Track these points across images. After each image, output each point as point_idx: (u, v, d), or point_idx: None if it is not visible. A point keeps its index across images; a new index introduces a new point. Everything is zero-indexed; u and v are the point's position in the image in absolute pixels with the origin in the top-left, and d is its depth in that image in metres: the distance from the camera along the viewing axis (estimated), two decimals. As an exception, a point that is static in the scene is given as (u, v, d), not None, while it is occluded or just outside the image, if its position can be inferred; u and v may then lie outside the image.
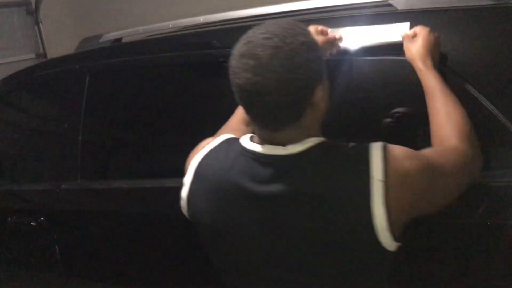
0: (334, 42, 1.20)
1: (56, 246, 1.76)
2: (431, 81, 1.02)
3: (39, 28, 4.57)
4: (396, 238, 0.84)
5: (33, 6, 4.44)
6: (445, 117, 0.98)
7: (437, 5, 1.23)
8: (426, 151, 0.91)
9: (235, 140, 0.96)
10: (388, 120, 1.15)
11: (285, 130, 0.86)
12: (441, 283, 1.11)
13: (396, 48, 1.14)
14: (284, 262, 0.88)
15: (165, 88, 1.62)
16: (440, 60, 1.09)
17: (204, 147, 1.00)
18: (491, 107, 1.05)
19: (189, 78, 1.57)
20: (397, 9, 1.27)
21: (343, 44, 1.21)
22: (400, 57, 1.14)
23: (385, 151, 0.83)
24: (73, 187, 1.73)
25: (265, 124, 0.87)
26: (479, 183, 1.05)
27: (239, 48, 0.83)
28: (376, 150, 0.84)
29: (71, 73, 1.80)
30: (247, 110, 0.87)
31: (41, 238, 1.79)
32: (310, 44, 0.83)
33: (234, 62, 0.83)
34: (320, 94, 0.85)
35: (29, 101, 2.04)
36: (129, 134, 1.77)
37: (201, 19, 1.78)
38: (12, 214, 1.86)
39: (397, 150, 0.85)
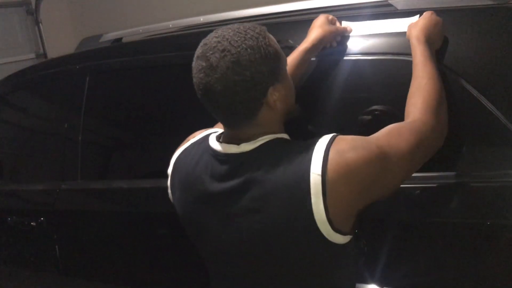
0: (338, 34, 1.24)
1: (56, 246, 1.76)
2: (417, 54, 1.04)
3: (39, 28, 4.58)
4: (343, 230, 0.86)
5: (33, 6, 4.44)
6: (416, 88, 1.00)
7: (437, 5, 1.23)
8: (379, 135, 0.91)
9: (210, 135, 1.00)
10: (367, 117, 1.16)
11: (242, 128, 0.91)
12: (441, 284, 1.11)
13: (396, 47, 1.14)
14: (240, 254, 0.93)
15: (165, 88, 1.62)
16: (442, 43, 1.10)
17: (189, 140, 1.06)
18: (491, 107, 1.05)
19: (189, 78, 1.57)
20: (397, 9, 1.27)
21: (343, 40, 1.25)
22: (399, 57, 1.15)
23: (330, 143, 0.85)
24: (73, 187, 1.73)
25: (222, 121, 0.94)
26: (479, 183, 1.05)
27: (197, 49, 0.89)
28: (321, 143, 0.86)
29: (71, 73, 1.80)
30: (206, 107, 0.92)
31: (41, 238, 1.79)
32: (260, 48, 0.86)
33: (193, 62, 0.90)
34: (276, 95, 0.90)
35: (29, 101, 2.04)
36: (129, 134, 1.77)
37: (201, 19, 1.78)
38: (12, 214, 1.86)
39: (344, 142, 0.86)
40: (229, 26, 0.90)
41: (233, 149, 0.91)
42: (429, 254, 1.12)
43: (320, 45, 1.22)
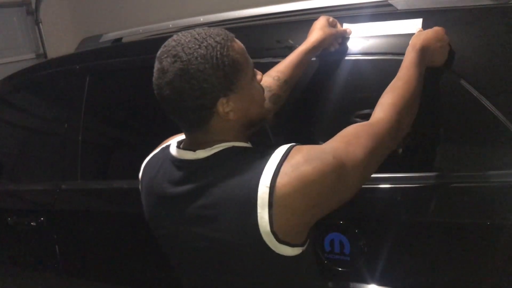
0: (338, 36, 1.24)
1: (56, 246, 1.76)
2: (405, 60, 1.05)
3: (39, 28, 4.57)
4: (291, 242, 0.85)
5: (33, 6, 4.44)
6: (390, 88, 1.01)
7: (437, 5, 1.23)
8: (337, 143, 0.88)
9: (173, 141, 1.01)
10: (358, 120, 1.16)
11: (195, 133, 0.91)
12: (441, 284, 1.11)
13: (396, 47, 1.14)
14: (196, 261, 0.94)
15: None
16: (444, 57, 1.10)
17: (161, 145, 1.07)
18: (491, 107, 1.05)
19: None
20: (397, 9, 1.27)
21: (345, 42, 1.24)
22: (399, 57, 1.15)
23: (286, 156, 0.84)
24: (73, 187, 1.73)
25: (178, 124, 0.93)
26: (479, 183, 1.05)
27: (159, 49, 0.89)
28: (276, 155, 0.84)
29: (71, 73, 1.80)
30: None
31: (41, 238, 1.79)
32: (212, 57, 0.84)
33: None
34: (229, 106, 0.87)
35: (29, 101, 2.04)
36: (129, 134, 1.77)
37: (201, 19, 1.78)
38: (12, 214, 1.86)
39: (299, 153, 0.84)
40: (192, 30, 0.88)
41: (188, 155, 0.91)
42: (429, 254, 1.12)
43: (320, 47, 1.22)
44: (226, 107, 0.87)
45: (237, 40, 0.89)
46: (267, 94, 1.13)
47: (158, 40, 1.82)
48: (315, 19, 1.25)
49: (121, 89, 1.73)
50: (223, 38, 0.86)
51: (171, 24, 1.85)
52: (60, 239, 1.75)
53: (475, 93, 1.07)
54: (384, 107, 0.96)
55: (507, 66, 1.08)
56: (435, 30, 1.09)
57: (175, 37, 0.88)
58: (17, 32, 4.63)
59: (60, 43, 4.35)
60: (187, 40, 0.85)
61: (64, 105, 1.86)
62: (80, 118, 1.74)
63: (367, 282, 1.16)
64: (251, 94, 0.92)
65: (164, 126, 1.62)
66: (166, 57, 0.85)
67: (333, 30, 1.22)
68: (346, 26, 1.26)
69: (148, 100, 1.67)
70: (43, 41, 4.61)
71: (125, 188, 1.61)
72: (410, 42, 1.09)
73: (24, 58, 4.48)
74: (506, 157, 1.05)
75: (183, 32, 0.88)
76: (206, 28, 0.89)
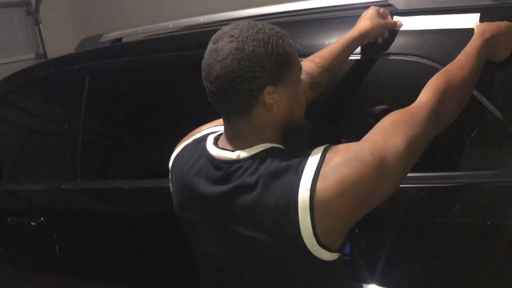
0: (387, 28, 1.20)
1: (56, 246, 1.76)
2: (470, 45, 1.02)
3: (39, 28, 4.57)
4: (330, 247, 0.84)
5: (33, 6, 4.43)
6: (443, 70, 0.99)
7: (437, 5, 1.23)
8: (375, 137, 0.87)
9: (209, 137, 0.99)
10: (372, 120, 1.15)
11: (235, 121, 0.90)
12: (441, 284, 1.11)
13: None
14: (229, 259, 0.94)
15: (165, 88, 1.62)
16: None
17: (192, 135, 1.05)
18: (491, 107, 1.05)
19: (189, 78, 1.57)
20: (397, 9, 1.27)
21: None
22: (401, 57, 1.15)
23: (323, 157, 0.83)
24: (73, 187, 1.73)
25: (219, 109, 0.91)
26: (479, 183, 1.05)
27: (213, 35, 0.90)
28: (314, 157, 0.84)
29: (71, 73, 1.80)
30: (207, 95, 0.90)
31: (41, 238, 1.79)
32: (268, 44, 0.85)
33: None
34: (274, 98, 0.86)
35: (29, 101, 2.04)
36: (129, 134, 1.77)
37: (201, 19, 1.78)
38: (12, 214, 1.86)
39: (336, 155, 0.83)
40: (251, 20, 0.89)
41: (228, 155, 0.90)
42: (429, 254, 1.12)
43: (367, 37, 1.18)
44: (272, 98, 0.86)
45: (290, 39, 0.90)
46: (308, 80, 1.11)
47: (158, 40, 1.84)
48: (316, 19, 1.25)
49: (121, 89, 1.73)
50: (279, 32, 0.88)
51: (171, 24, 1.85)
52: (60, 239, 1.75)
53: (475, 93, 1.07)
54: (428, 89, 0.94)
55: (507, 66, 1.08)
56: (508, 24, 1.05)
57: (232, 23, 0.88)
58: (17, 32, 4.63)
59: (60, 43, 4.35)
60: (245, 26, 0.86)
61: (64, 105, 1.86)
62: (80, 118, 1.74)
63: (367, 282, 1.16)
64: (296, 93, 0.91)
65: (164, 126, 1.62)
66: (222, 37, 0.86)
67: (382, 21, 1.18)
68: (396, 18, 1.22)
69: (148, 100, 1.67)
70: (43, 41, 4.62)
71: (125, 188, 1.61)
72: (477, 29, 1.05)
73: (24, 58, 4.48)
74: (506, 157, 1.05)
75: (240, 21, 0.89)
76: (262, 22, 0.90)
